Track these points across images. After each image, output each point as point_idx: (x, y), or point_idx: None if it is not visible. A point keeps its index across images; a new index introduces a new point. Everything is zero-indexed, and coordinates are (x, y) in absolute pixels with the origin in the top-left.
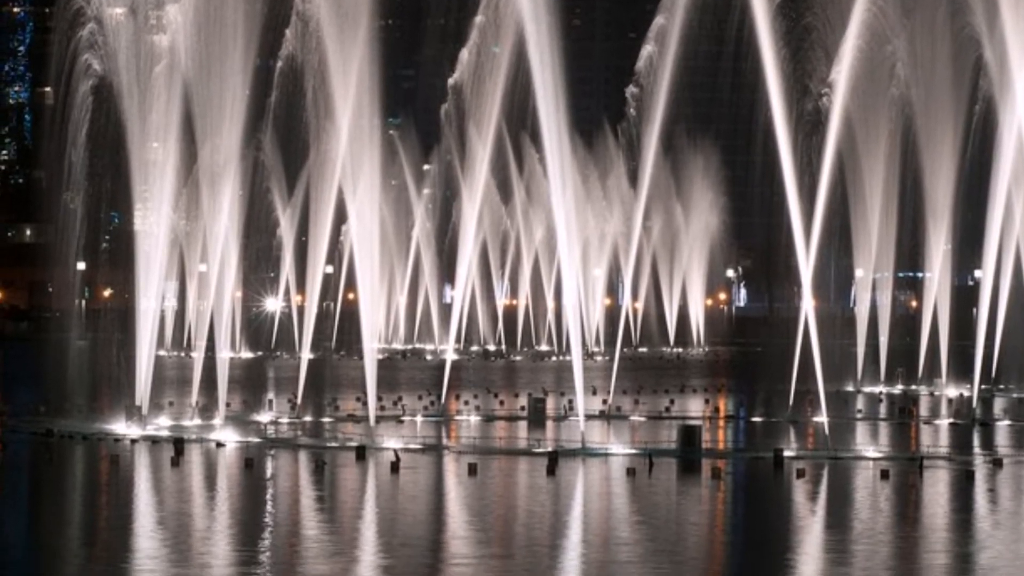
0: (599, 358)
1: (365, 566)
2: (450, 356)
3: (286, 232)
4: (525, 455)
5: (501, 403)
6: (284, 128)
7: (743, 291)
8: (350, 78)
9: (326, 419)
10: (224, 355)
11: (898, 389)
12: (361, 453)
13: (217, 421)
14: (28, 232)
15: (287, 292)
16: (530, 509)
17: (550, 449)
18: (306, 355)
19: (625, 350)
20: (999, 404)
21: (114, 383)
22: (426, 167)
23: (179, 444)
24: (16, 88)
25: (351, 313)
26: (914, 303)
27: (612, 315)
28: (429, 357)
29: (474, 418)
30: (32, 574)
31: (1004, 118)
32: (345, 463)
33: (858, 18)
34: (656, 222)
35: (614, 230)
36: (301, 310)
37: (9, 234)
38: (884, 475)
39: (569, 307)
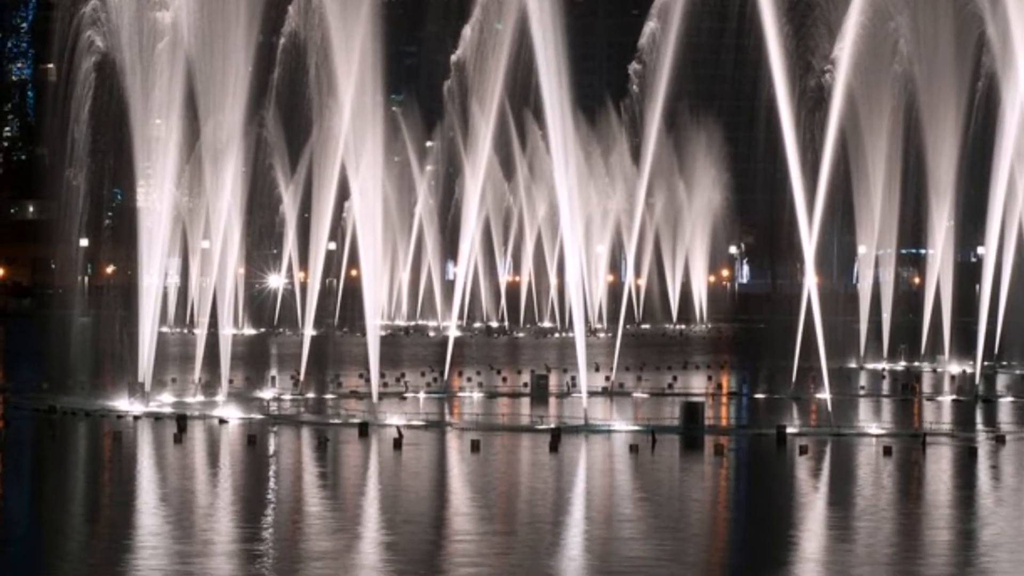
0: (602, 335)
1: (368, 543)
2: (453, 333)
3: (289, 209)
4: (528, 432)
5: (504, 380)
6: (287, 105)
7: (746, 268)
8: (353, 55)
9: (329, 396)
10: (227, 332)
11: (901, 366)
12: (364, 430)
13: (220, 398)
14: (31, 209)
15: (290, 269)
16: (533, 486)
17: (553, 426)
18: (309, 332)
19: (628, 327)
20: (1002, 381)
21: (117, 360)
22: (429, 144)
23: (182, 421)
24: (19, 65)
25: (354, 290)
26: (917, 280)
27: (615, 292)
28: (432, 334)
29: (477, 395)
30: (35, 551)
31: (1006, 95)
32: (348, 440)
33: None
34: (659, 199)
35: (617, 207)
36: (304, 287)
37: (12, 211)
38: (887, 452)
39: (572, 284)
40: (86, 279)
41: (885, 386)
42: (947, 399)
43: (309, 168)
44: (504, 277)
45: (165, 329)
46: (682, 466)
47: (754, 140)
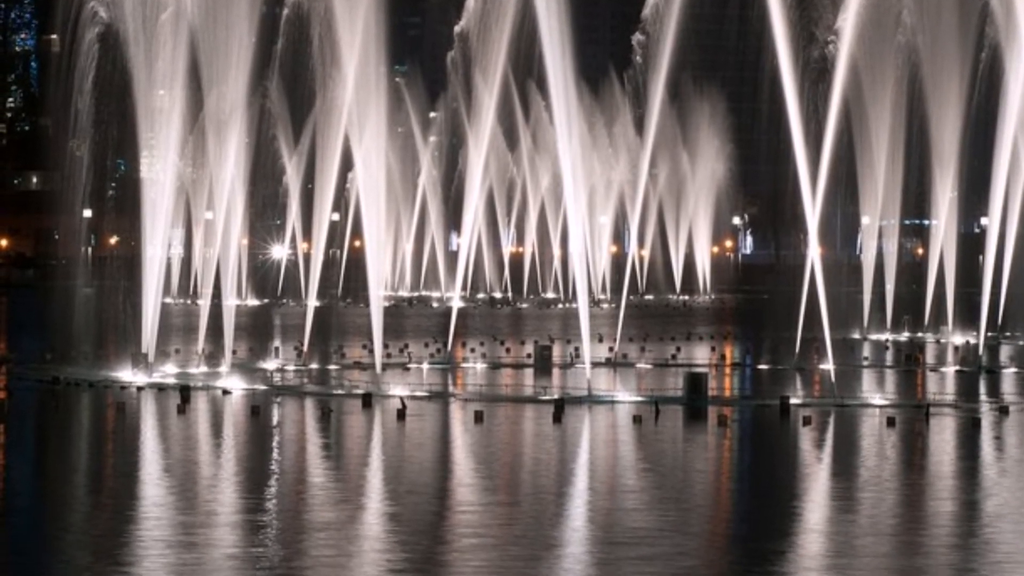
0: (605, 306)
1: (371, 513)
2: (456, 303)
3: (292, 180)
4: (531, 403)
5: (507, 351)
6: (290, 75)
7: (749, 239)
8: (356, 25)
9: (332, 366)
10: (230, 302)
11: (904, 337)
12: (367, 400)
13: (223, 368)
14: (34, 179)
15: (293, 240)
16: (536, 456)
17: (556, 397)
18: (312, 302)
19: (631, 298)
20: (1005, 352)
21: (120, 331)
22: (432, 115)
23: (185, 391)
24: (22, 35)
25: (357, 260)
26: (920, 250)
27: (618, 263)
28: (435, 304)
29: (480, 365)
30: (38, 522)
31: (1010, 65)
32: (351, 410)
33: None
34: (662, 170)
35: (620, 178)
36: (307, 257)
37: (15, 181)
38: (890, 423)
39: (575, 255)
40: (89, 250)
41: (888, 357)
42: (950, 370)
43: (312, 139)
44: (507, 248)
45: (168, 300)
46: (685, 437)
47: (757, 111)
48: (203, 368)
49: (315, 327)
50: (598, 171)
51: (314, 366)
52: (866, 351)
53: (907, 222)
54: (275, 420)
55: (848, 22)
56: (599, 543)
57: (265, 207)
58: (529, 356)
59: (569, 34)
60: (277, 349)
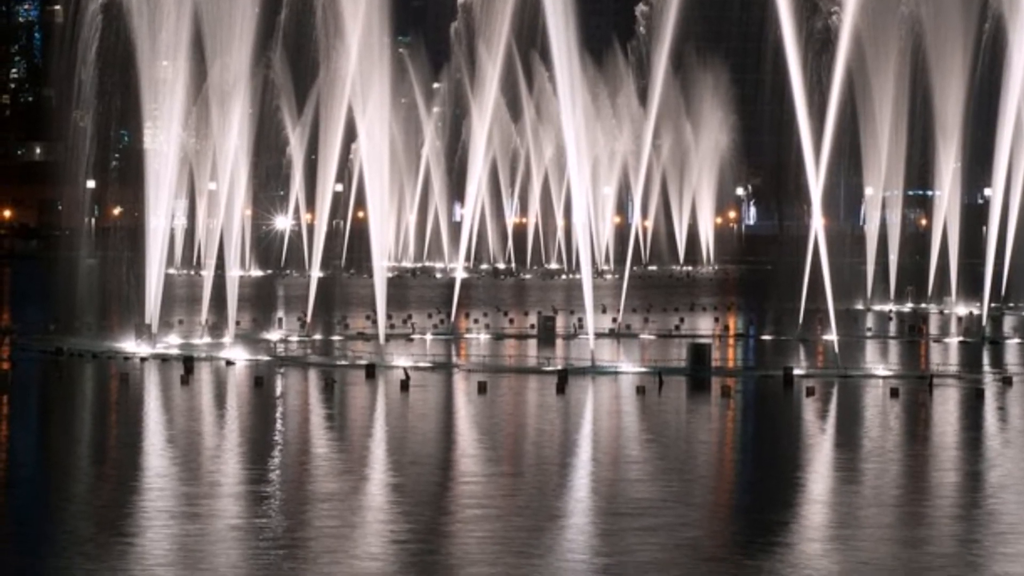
0: (609, 276)
1: (375, 484)
2: (460, 274)
3: (296, 150)
4: (535, 373)
5: (511, 321)
6: (294, 46)
7: (753, 209)
8: None
9: (336, 337)
10: (234, 273)
11: (908, 307)
12: (371, 371)
13: (227, 339)
14: (38, 150)
15: (297, 210)
16: (540, 427)
17: (560, 367)
18: (316, 273)
19: (635, 268)
20: (1009, 322)
21: (124, 301)
22: (436, 85)
23: (189, 362)
24: (26, 6)
25: (361, 231)
26: (924, 221)
27: (622, 233)
28: (439, 275)
29: (484, 336)
30: (42, 492)
31: (1013, 36)
32: (355, 381)
33: None
34: (666, 140)
35: (624, 148)
36: (311, 228)
37: (19, 152)
38: (894, 393)
39: (579, 225)
40: (93, 221)
41: (892, 328)
42: (954, 340)
43: (316, 110)
44: (511, 219)
45: (172, 271)
46: (689, 408)
47: (761, 82)
48: (206, 339)
49: (318, 298)
50: (601, 142)
51: (318, 337)
52: (869, 322)
53: (910, 193)
54: (278, 391)
55: None
56: (602, 514)
57: (268, 178)
58: (533, 327)
59: (572, 4)
60: (280, 320)
